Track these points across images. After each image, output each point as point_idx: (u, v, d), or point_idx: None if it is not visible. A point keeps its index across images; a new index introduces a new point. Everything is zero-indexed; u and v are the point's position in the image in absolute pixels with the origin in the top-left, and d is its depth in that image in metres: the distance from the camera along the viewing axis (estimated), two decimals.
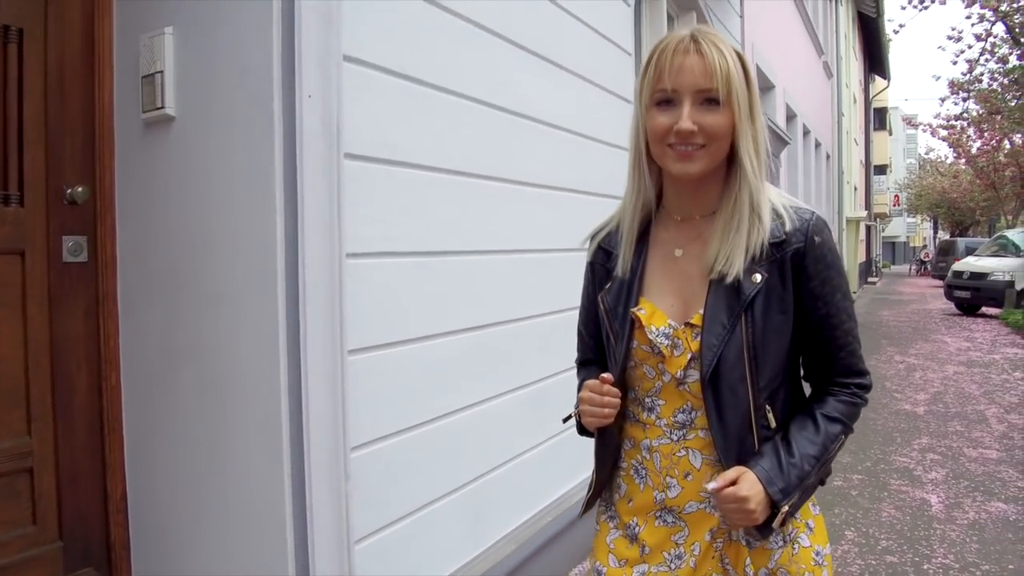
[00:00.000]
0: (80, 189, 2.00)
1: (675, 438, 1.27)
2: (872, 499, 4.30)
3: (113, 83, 2.09)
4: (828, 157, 14.99)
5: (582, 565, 3.12)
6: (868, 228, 28.15)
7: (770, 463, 1.18)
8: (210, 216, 1.91)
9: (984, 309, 16.02)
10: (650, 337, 1.25)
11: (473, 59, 2.48)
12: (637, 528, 1.32)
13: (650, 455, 1.29)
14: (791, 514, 1.20)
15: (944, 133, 18.60)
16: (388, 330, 2.08)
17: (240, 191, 1.85)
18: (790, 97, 9.65)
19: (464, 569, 2.42)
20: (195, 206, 1.94)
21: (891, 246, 54.46)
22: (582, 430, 1.39)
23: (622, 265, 1.33)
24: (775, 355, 1.22)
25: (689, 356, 1.23)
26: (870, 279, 27.71)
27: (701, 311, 1.23)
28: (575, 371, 1.52)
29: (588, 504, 1.44)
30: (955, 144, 19.97)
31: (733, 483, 1.15)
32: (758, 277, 1.20)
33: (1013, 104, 13.66)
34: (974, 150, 19.92)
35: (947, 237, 36.32)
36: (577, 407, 1.33)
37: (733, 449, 1.21)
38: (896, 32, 13.86)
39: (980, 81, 14.23)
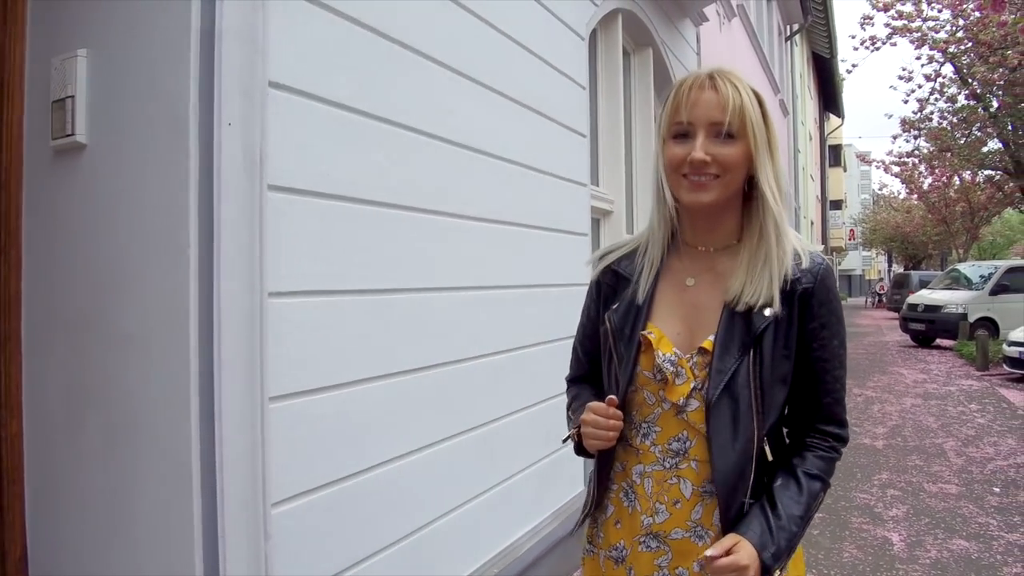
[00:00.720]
0: None
1: (668, 465, 1.28)
2: (833, 538, 4.21)
3: (23, 108, 1.95)
4: (787, 161, 15.18)
5: None
6: None
7: (760, 528, 1.20)
8: (120, 251, 1.76)
9: (939, 341, 16.30)
10: (657, 361, 1.26)
11: (415, 88, 2.38)
12: (624, 551, 1.34)
13: (641, 480, 1.31)
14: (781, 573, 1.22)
15: (897, 169, 18.99)
16: (318, 374, 1.94)
17: (152, 225, 1.70)
18: None
19: None
20: (105, 240, 1.78)
21: (847, 279, 55.52)
22: (580, 450, 1.38)
23: (629, 288, 1.35)
24: (779, 389, 1.25)
25: (692, 385, 1.25)
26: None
27: (712, 337, 1.25)
28: (564, 391, 1.55)
29: (582, 521, 1.45)
30: (907, 180, 20.42)
31: (728, 551, 1.15)
32: (769, 311, 1.23)
33: (962, 142, 14.01)
34: (926, 186, 20.41)
35: (901, 270, 37.10)
36: (575, 427, 1.34)
37: (731, 480, 1.22)
38: (849, 72, 14.20)
39: (930, 119, 14.57)
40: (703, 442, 1.25)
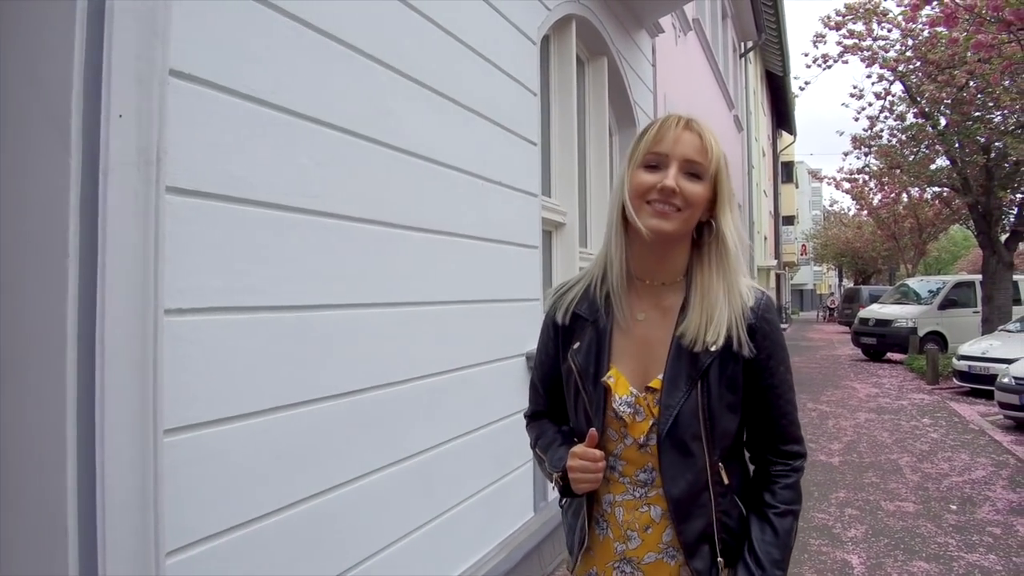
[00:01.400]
0: None
1: (638, 495, 1.34)
2: (793, 562, 4.04)
3: None
4: (739, 207, 15.29)
5: None
6: (778, 276, 29.01)
7: None
8: None
9: (889, 355, 16.52)
10: (614, 406, 1.32)
11: (346, 85, 2.18)
12: None
13: (612, 509, 1.36)
14: None
15: (847, 186, 19.32)
16: (224, 402, 1.71)
17: (27, 232, 1.47)
18: None
19: None
20: None
21: (799, 294, 56.43)
22: (566, 492, 1.38)
23: (587, 325, 1.39)
24: (728, 419, 1.32)
25: (651, 422, 1.31)
26: (781, 326, 28.39)
27: (660, 376, 1.31)
28: (525, 424, 1.56)
29: (575, 565, 1.46)
30: (858, 197, 20.78)
31: None
32: (714, 347, 1.29)
33: (911, 159, 14.24)
34: (875, 202, 20.79)
35: (851, 285, 37.79)
36: (557, 471, 1.36)
37: (684, 508, 1.30)
38: (802, 89, 14.40)
39: (880, 137, 14.83)
40: None
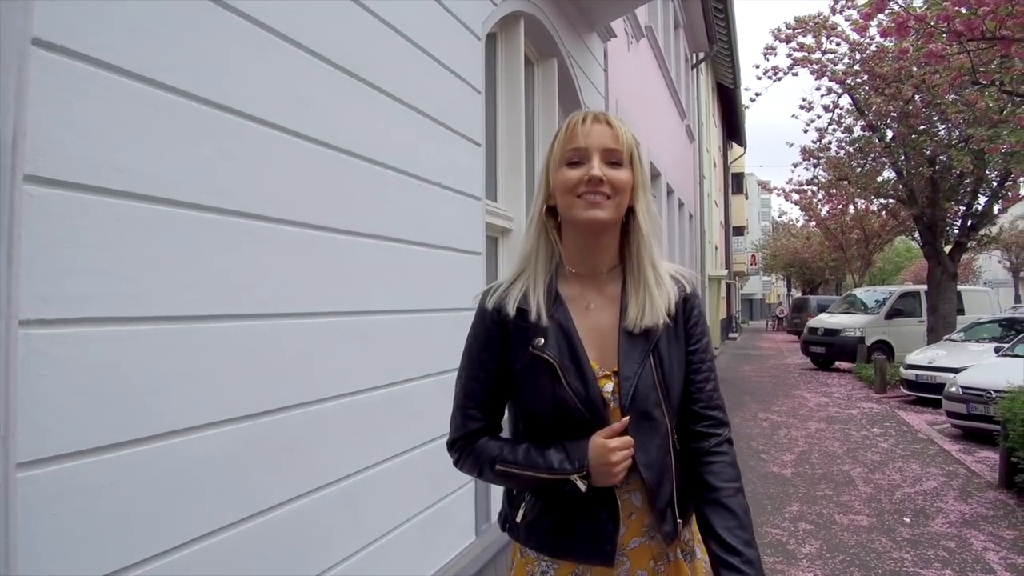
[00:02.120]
0: None
1: (619, 485, 1.34)
2: None
3: None
4: (691, 217, 15.34)
5: None
6: (728, 286, 29.30)
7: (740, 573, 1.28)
8: None
9: (838, 363, 16.73)
10: (605, 395, 1.34)
11: (259, 70, 1.95)
12: (585, 568, 1.38)
13: None
14: None
15: (796, 197, 19.54)
16: (98, 429, 1.45)
17: None
18: (655, 156, 9.67)
19: None
20: None
21: (749, 303, 57.26)
22: (588, 489, 1.33)
23: (544, 319, 1.36)
24: (679, 384, 1.39)
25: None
26: (731, 335, 28.70)
27: (617, 359, 1.36)
28: (449, 453, 1.47)
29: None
30: (806, 208, 21.08)
31: None
32: (661, 322, 1.37)
33: (859, 171, 14.44)
34: (823, 213, 21.10)
35: (800, 295, 38.45)
36: (582, 471, 1.30)
37: (657, 473, 1.35)
38: (753, 100, 14.46)
39: (829, 149, 15.03)
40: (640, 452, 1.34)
